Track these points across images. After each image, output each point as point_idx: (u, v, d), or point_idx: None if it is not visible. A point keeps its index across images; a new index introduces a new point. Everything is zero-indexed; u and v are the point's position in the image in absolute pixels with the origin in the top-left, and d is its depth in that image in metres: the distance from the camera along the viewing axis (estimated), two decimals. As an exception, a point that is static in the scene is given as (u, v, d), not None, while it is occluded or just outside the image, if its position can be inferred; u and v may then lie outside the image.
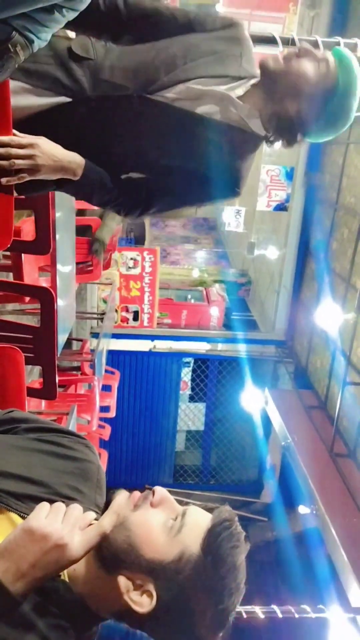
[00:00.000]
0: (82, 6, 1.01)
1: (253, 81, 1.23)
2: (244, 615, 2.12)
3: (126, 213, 1.28)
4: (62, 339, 3.19)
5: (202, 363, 6.27)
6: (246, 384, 5.15)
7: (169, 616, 0.68)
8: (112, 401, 4.31)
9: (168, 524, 0.70)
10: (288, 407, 4.53)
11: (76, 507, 0.67)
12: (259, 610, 2.17)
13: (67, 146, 1.12)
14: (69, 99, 1.16)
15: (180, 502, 0.76)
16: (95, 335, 4.73)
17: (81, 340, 4.21)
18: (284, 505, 4.61)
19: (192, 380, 6.56)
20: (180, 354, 5.93)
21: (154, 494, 0.72)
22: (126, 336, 5.56)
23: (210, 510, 0.74)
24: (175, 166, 1.23)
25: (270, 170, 4.83)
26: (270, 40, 1.83)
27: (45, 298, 1.74)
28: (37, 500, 0.72)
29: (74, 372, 3.92)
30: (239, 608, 1.48)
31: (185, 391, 6.69)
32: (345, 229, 4.27)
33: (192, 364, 6.53)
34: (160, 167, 1.24)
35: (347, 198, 4.26)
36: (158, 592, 0.67)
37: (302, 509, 3.76)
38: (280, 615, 2.19)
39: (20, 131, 1.09)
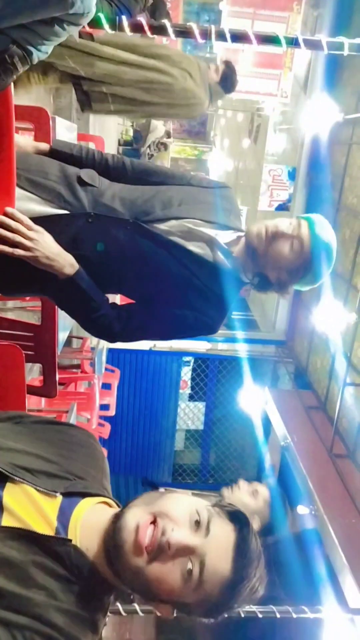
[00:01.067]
0: (84, 21, 0.99)
1: (239, 234, 1.33)
2: (242, 615, 2.12)
3: (100, 335, 1.33)
4: (62, 336, 3.19)
5: (202, 362, 6.26)
6: (246, 384, 5.14)
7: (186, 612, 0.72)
8: (112, 399, 4.31)
9: (186, 575, 0.68)
10: (288, 407, 4.53)
11: None
12: (256, 610, 2.17)
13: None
14: (67, 212, 1.23)
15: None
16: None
17: (81, 338, 4.21)
18: (283, 505, 4.60)
19: (192, 379, 6.55)
20: (180, 353, 5.93)
21: (169, 546, 0.67)
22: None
23: (231, 516, 0.72)
24: (158, 295, 1.29)
25: (273, 170, 4.83)
26: (273, 40, 1.83)
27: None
28: (51, 476, 0.75)
29: (74, 370, 3.92)
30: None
31: (185, 390, 6.69)
32: (347, 229, 4.27)
33: (192, 363, 6.53)
34: (144, 294, 1.31)
35: (350, 198, 4.25)
36: (177, 609, 0.72)
37: (301, 509, 3.75)
38: (277, 615, 2.19)
39: None
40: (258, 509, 1.74)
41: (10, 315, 2.43)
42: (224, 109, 10.85)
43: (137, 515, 0.69)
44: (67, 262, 1.18)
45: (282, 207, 4.90)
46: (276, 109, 6.28)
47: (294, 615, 2.18)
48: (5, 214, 1.12)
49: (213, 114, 12.93)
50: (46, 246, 1.16)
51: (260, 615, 2.11)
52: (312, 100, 4.55)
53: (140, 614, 1.91)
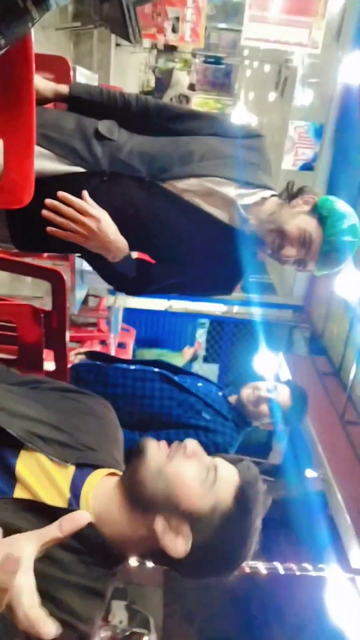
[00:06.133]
0: None
1: (264, 194, 1.24)
2: (247, 570, 2.20)
3: (121, 291, 1.35)
4: (80, 295, 3.18)
5: (217, 325, 6.26)
6: (260, 348, 5.14)
7: (197, 559, 0.73)
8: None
9: (202, 476, 0.75)
10: (301, 373, 4.53)
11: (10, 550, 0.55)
12: (261, 566, 2.25)
13: None
14: (83, 170, 1.17)
15: None
16: (113, 292, 4.72)
17: (98, 297, 4.22)
18: (292, 467, 4.70)
19: (207, 341, 6.57)
20: (196, 315, 5.92)
21: (186, 447, 0.77)
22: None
23: (233, 462, 0.79)
24: (173, 256, 1.25)
25: (299, 126, 4.62)
26: None
27: (56, 281, 1.69)
28: (63, 445, 0.75)
29: (90, 329, 3.95)
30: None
31: (200, 352, 6.73)
32: (374, 192, 4.10)
33: (207, 326, 6.53)
34: (159, 254, 1.28)
35: (378, 160, 4.07)
36: (193, 535, 0.72)
37: (310, 473, 3.82)
38: (281, 572, 2.27)
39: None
40: (282, 401, 1.98)
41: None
42: (250, 60, 10.33)
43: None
44: (119, 250, 1.16)
45: (307, 167, 4.71)
46: (306, 61, 5.94)
47: (297, 573, 2.27)
48: (59, 199, 1.08)
49: (239, 65, 12.33)
50: (103, 234, 1.12)
51: (264, 572, 2.19)
52: (345, 52, 4.28)
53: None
